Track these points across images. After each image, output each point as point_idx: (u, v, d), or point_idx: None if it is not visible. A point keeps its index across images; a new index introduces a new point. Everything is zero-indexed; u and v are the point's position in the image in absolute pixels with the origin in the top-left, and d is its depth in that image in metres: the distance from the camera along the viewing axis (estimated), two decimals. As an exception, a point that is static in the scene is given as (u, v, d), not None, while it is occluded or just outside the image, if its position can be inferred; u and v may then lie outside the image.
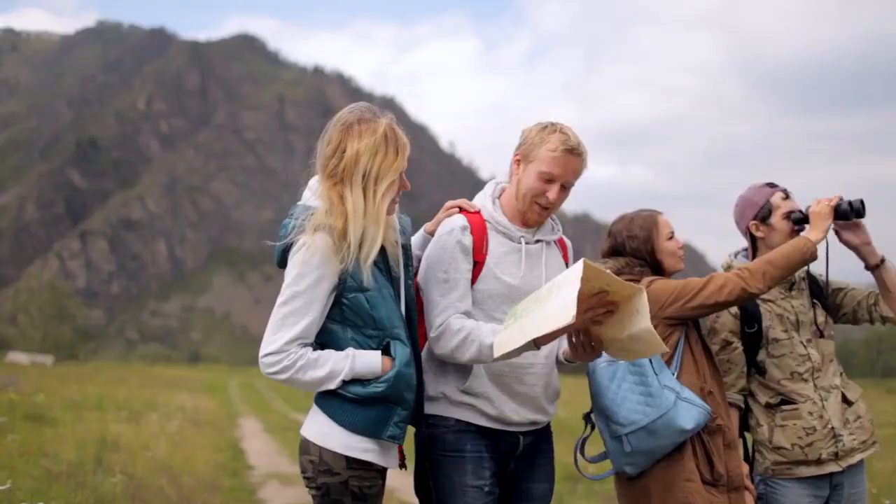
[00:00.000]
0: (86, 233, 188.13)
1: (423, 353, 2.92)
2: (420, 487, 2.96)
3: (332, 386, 2.59)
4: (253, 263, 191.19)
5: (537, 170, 2.83)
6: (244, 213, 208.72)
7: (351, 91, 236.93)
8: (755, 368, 3.37)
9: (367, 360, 2.60)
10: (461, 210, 2.97)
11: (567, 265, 3.05)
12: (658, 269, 3.30)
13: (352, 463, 2.60)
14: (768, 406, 3.32)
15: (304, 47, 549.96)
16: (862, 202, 3.25)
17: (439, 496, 2.86)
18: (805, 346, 3.36)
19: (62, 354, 58.18)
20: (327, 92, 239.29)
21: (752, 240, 3.46)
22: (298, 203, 2.73)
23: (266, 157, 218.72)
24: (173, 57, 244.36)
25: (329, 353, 2.61)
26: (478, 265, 2.85)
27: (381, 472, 2.70)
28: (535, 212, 2.89)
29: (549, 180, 2.82)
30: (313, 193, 2.70)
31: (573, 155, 2.81)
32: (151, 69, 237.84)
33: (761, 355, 3.35)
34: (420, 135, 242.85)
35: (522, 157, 2.88)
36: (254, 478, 9.65)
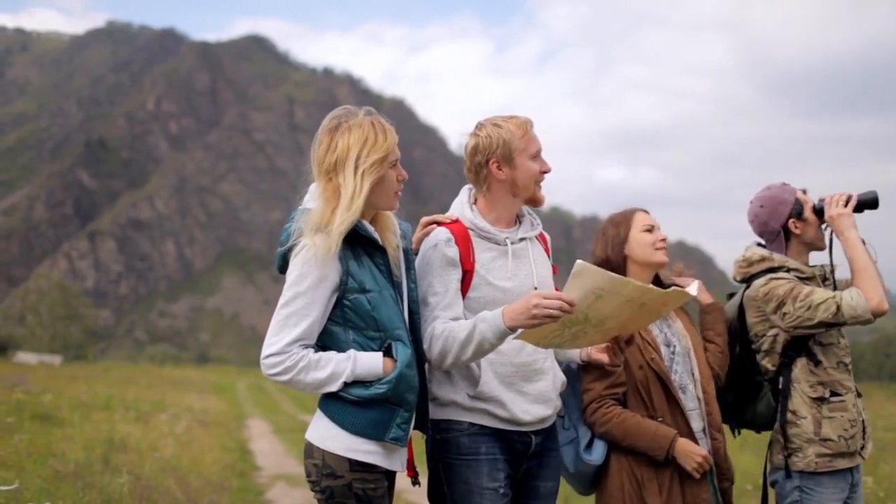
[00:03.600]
0: (95, 233, 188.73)
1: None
2: (433, 493, 2.95)
3: (333, 388, 2.58)
4: (262, 264, 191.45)
5: (526, 156, 2.94)
6: (253, 213, 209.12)
7: (360, 92, 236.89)
8: (807, 356, 3.35)
9: (369, 362, 2.59)
10: (439, 224, 2.99)
11: (549, 257, 3.15)
12: (624, 265, 3.31)
13: (355, 465, 2.59)
14: (820, 399, 3.31)
15: (313, 48, 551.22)
16: (876, 194, 3.33)
17: (454, 500, 2.86)
18: (844, 337, 3.42)
19: (70, 355, 58.41)
20: (337, 93, 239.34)
21: (786, 237, 3.45)
22: (299, 207, 2.75)
23: (275, 158, 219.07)
24: (183, 58, 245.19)
25: (331, 355, 2.61)
26: (468, 274, 2.88)
27: (386, 473, 2.69)
28: (539, 190, 3.02)
29: (536, 155, 2.97)
30: (312, 196, 2.73)
31: (531, 125, 2.99)
32: (161, 70, 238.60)
33: (811, 343, 3.35)
34: (429, 136, 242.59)
35: (502, 159, 2.92)
36: (261, 479, 9.67)
